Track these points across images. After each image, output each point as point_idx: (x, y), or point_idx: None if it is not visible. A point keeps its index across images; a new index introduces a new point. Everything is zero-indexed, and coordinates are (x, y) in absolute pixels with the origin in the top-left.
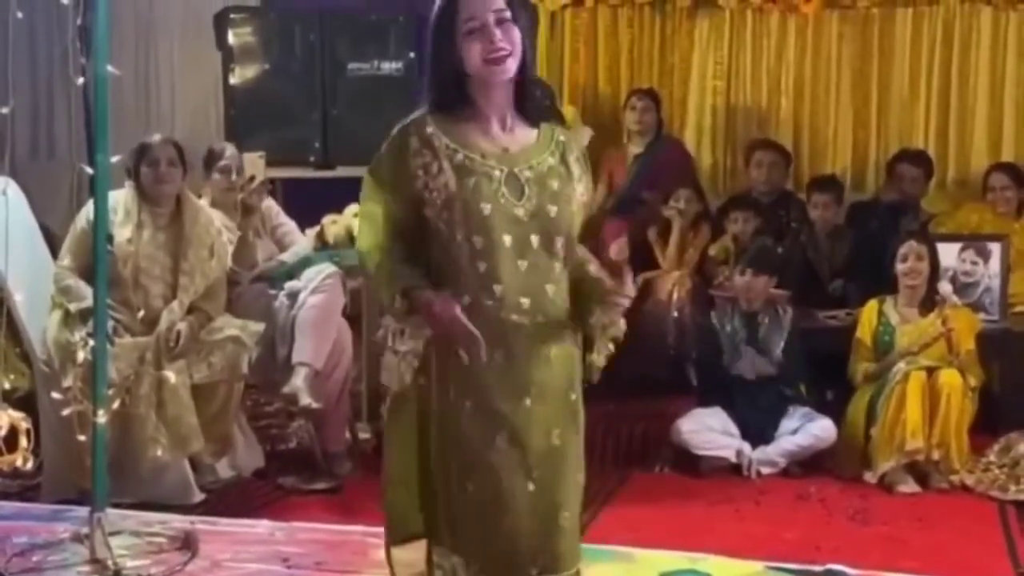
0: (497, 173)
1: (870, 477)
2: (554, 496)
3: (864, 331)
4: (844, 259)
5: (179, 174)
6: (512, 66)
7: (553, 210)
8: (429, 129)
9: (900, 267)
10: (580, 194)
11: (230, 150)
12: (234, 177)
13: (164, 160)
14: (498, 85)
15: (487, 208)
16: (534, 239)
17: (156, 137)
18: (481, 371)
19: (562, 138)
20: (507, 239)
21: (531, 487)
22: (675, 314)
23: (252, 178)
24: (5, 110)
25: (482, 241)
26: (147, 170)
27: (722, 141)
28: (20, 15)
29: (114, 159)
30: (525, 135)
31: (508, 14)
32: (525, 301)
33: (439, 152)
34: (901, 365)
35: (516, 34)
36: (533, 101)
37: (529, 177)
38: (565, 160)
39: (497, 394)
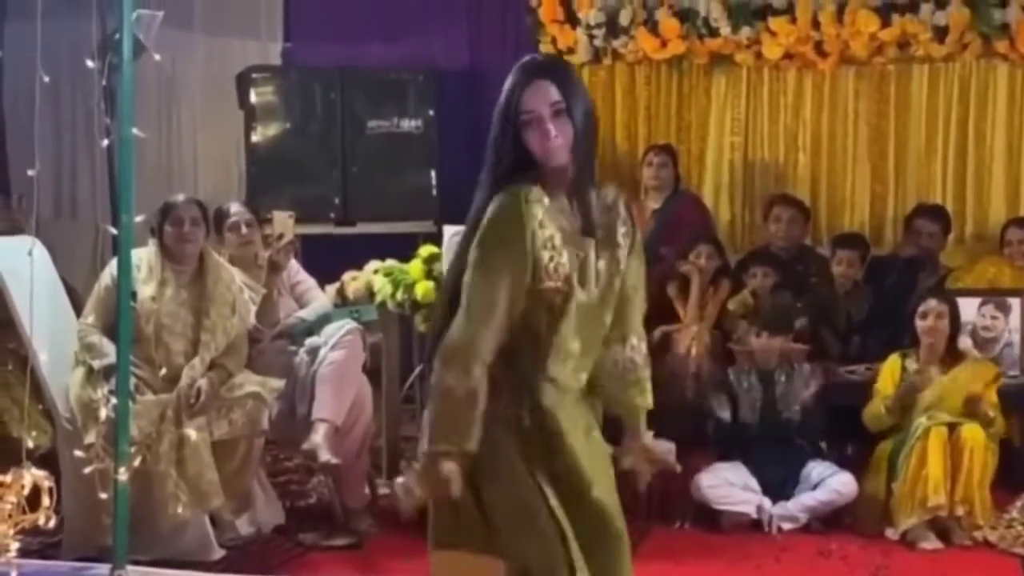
0: (574, 257)
1: (892, 533)
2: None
3: (886, 384)
4: (863, 316)
5: (202, 233)
6: (564, 154)
7: (609, 298)
8: (545, 200)
9: (920, 325)
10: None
11: (235, 207)
12: (244, 231)
13: (188, 219)
14: (557, 169)
15: (578, 292)
16: (592, 324)
17: (180, 197)
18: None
19: (622, 211)
20: (574, 323)
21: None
22: (694, 369)
23: (281, 236)
24: (32, 172)
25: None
26: (171, 229)
27: (740, 196)
28: (47, 79)
29: (137, 219)
30: (582, 215)
31: (563, 105)
32: (583, 376)
33: (555, 227)
34: (922, 420)
35: (570, 128)
36: (586, 182)
37: (600, 268)
38: (613, 235)
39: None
